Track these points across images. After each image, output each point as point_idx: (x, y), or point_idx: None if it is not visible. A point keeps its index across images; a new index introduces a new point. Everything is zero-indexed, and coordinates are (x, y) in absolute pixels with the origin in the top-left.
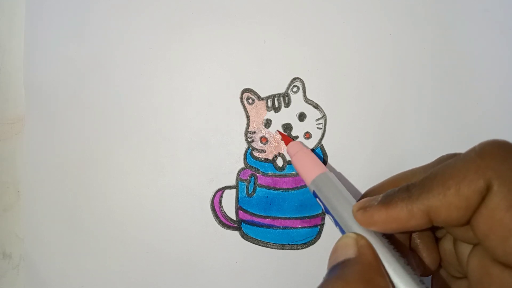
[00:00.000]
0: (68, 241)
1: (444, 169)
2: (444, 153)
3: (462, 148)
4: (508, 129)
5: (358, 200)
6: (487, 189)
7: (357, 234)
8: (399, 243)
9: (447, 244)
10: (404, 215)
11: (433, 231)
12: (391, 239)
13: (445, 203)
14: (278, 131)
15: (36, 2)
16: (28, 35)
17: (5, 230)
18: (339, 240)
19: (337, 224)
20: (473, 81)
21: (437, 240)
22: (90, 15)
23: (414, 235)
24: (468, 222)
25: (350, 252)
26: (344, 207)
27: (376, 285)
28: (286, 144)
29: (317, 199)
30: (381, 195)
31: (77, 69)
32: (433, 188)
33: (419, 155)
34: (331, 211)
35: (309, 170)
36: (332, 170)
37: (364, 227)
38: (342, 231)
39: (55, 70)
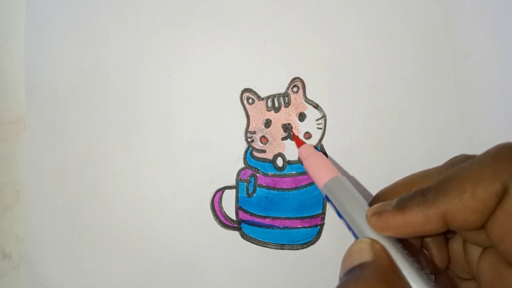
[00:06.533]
0: (68, 241)
1: (459, 172)
2: (443, 153)
3: (462, 149)
4: (508, 129)
5: (370, 203)
6: (504, 192)
7: (372, 239)
8: (411, 244)
9: (456, 245)
10: (420, 220)
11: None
12: (403, 243)
13: (461, 207)
14: (292, 133)
15: (36, 2)
16: (28, 35)
17: (5, 230)
18: (353, 245)
19: (350, 228)
20: (473, 81)
21: (446, 240)
22: (90, 15)
23: None
24: (482, 226)
25: (366, 256)
26: (357, 211)
27: (396, 286)
28: (298, 147)
29: (329, 203)
30: (395, 200)
31: (77, 69)
32: (449, 191)
33: (419, 155)
34: (344, 216)
35: (321, 173)
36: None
37: (378, 232)
38: (356, 236)
39: (55, 70)
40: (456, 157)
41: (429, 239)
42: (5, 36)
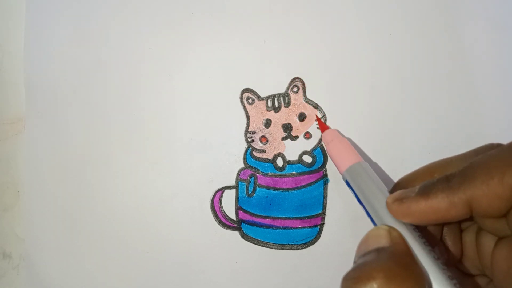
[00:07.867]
0: (68, 241)
1: (487, 159)
2: (444, 153)
3: (462, 148)
4: (508, 129)
5: (390, 191)
6: None
7: (390, 227)
8: (429, 233)
9: (468, 237)
10: (445, 206)
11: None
12: (421, 232)
13: (488, 193)
14: (316, 116)
15: (36, 2)
16: (28, 35)
17: (5, 230)
18: (370, 231)
19: (368, 215)
20: (473, 81)
21: (461, 232)
22: (90, 15)
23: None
24: (505, 214)
25: (383, 241)
26: (377, 198)
27: (413, 271)
28: (322, 131)
29: (350, 188)
30: (417, 187)
31: (77, 69)
32: (476, 177)
33: (419, 155)
34: (363, 202)
35: (343, 158)
36: (334, 171)
37: (399, 219)
38: (374, 223)
39: (55, 70)
40: (481, 146)
41: (445, 230)
42: (5, 36)
